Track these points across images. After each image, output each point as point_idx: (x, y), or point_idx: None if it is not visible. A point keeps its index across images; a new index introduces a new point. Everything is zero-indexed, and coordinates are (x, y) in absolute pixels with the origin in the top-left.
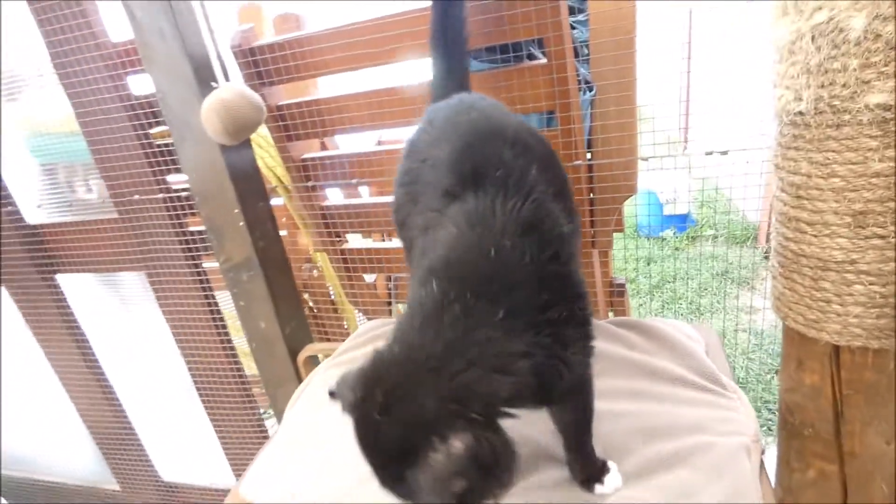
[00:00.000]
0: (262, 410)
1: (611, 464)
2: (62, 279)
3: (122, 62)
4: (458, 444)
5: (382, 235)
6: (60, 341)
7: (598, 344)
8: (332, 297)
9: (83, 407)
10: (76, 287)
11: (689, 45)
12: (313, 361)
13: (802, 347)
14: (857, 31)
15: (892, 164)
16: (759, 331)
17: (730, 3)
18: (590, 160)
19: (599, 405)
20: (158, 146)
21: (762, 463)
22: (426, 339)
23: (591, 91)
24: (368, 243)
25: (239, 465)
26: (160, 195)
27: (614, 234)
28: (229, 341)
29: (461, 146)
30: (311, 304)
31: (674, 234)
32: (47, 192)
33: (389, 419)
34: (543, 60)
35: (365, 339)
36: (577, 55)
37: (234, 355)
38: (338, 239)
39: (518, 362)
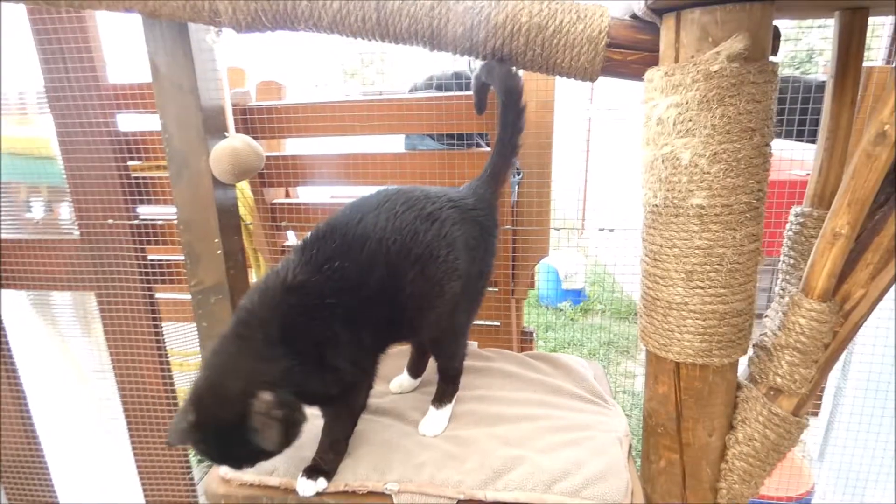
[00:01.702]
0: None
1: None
2: (4, 294)
3: (116, 101)
4: (265, 395)
5: None
6: None
7: (516, 369)
8: None
9: None
10: (10, 304)
11: (588, 146)
12: None
13: (657, 365)
14: (685, 161)
15: (707, 241)
16: (636, 392)
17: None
18: (514, 227)
19: (519, 410)
20: (134, 178)
21: (630, 450)
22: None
23: (518, 175)
24: None
25: (156, 496)
26: (128, 222)
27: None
28: (169, 371)
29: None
30: None
31: (569, 305)
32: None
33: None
34: (486, 149)
35: None
36: None
37: (172, 387)
38: None
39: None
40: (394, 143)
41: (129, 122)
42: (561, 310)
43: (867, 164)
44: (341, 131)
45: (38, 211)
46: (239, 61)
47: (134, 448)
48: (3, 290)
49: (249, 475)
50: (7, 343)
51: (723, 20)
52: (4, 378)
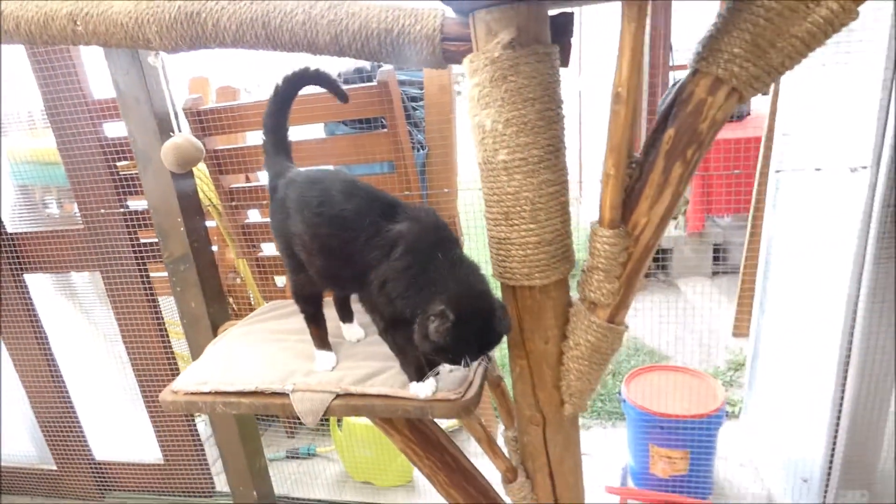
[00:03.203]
0: None
1: None
2: (29, 278)
3: (101, 113)
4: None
5: None
6: (21, 332)
7: None
8: (252, 300)
9: (33, 392)
10: (39, 286)
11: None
12: None
13: (503, 291)
14: (488, 126)
15: (514, 188)
16: None
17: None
18: (425, 192)
19: None
20: (122, 176)
21: (490, 359)
22: None
23: (423, 150)
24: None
25: (166, 443)
26: (120, 211)
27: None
28: (167, 337)
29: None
30: (234, 305)
31: None
32: (22, 207)
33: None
34: (385, 130)
35: (268, 315)
36: (417, 126)
37: (171, 350)
38: (255, 249)
39: None
40: (316, 131)
41: (114, 129)
42: None
43: (614, 119)
44: None
45: (54, 208)
46: (204, 72)
47: (145, 401)
48: (28, 275)
49: (190, 386)
50: (39, 320)
51: (499, 17)
52: (39, 350)
